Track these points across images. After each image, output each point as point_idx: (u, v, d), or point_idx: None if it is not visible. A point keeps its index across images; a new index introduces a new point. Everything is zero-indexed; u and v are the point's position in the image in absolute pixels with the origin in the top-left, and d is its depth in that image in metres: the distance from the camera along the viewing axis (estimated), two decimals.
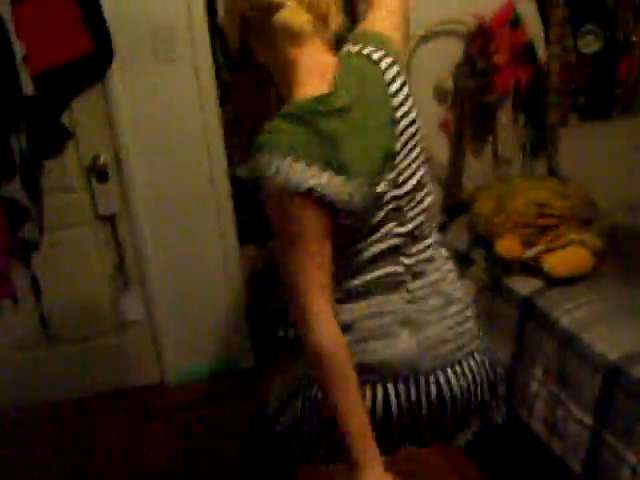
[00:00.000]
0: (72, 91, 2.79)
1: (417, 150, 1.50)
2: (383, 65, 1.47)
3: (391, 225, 1.46)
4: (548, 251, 2.53)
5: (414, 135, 1.49)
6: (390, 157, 1.44)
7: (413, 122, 1.49)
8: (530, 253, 2.55)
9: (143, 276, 3.12)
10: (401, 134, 1.47)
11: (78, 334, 3.14)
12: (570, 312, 2.32)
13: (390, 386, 1.48)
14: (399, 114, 1.47)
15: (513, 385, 2.49)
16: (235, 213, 3.15)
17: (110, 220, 3.01)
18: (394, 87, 1.47)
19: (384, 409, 1.48)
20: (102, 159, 2.91)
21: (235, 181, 3.14)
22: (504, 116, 3.11)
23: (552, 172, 3.21)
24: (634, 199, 2.94)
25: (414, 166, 1.49)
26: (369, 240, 1.45)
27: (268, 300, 3.36)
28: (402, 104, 1.47)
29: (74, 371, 3.16)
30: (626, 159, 3.13)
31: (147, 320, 3.18)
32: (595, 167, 3.11)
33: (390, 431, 1.52)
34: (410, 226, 1.49)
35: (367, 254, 1.46)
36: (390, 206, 1.45)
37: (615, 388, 2.03)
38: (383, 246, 1.46)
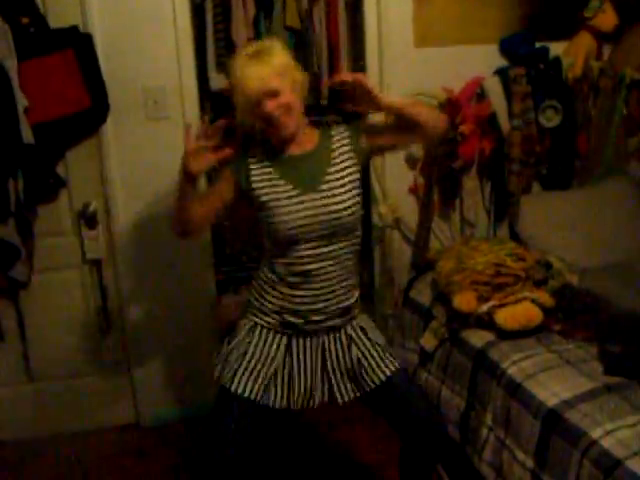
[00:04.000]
0: (67, 142, 2.95)
1: None
2: None
3: None
4: (501, 306, 2.66)
5: None
6: None
7: None
8: (484, 308, 2.68)
9: (123, 320, 3.25)
10: None
11: (59, 373, 3.25)
12: (517, 363, 2.45)
13: None
14: None
15: (467, 431, 2.63)
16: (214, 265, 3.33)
17: (96, 264, 3.16)
18: None
19: None
20: (92, 207, 3.06)
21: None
22: (469, 182, 3.32)
23: (514, 235, 3.36)
24: (586, 263, 3.10)
25: None
26: None
27: None
28: None
29: (53, 409, 3.27)
30: (582, 226, 3.28)
31: (125, 362, 3.31)
32: (554, 232, 3.23)
33: None
34: None
35: None
36: None
37: (553, 432, 2.17)
38: None
